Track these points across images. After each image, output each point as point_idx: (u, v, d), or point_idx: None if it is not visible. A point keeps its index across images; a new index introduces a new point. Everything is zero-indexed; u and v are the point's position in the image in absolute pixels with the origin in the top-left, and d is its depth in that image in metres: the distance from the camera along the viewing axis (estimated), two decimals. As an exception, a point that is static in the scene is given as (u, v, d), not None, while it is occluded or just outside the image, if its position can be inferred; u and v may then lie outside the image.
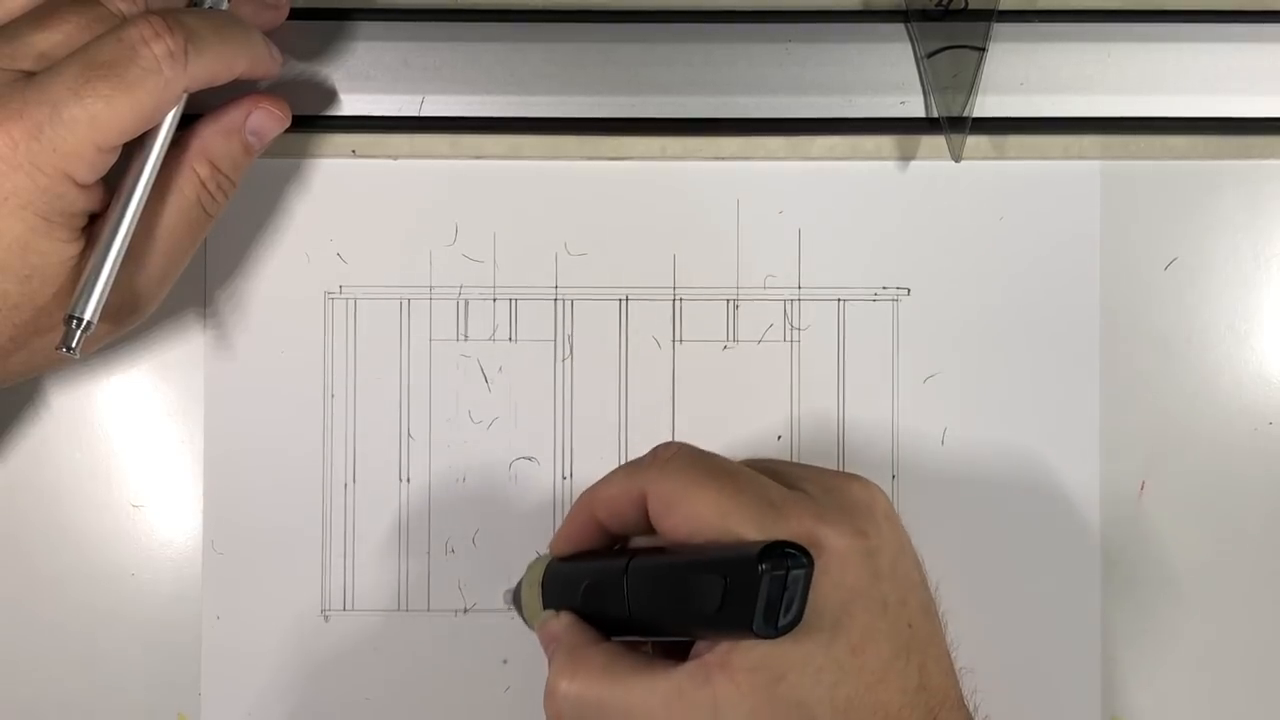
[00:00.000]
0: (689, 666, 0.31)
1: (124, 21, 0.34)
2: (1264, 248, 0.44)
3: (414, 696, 0.43)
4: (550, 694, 0.33)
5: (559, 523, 0.43)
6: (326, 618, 0.43)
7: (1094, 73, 0.43)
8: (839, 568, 0.31)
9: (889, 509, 0.33)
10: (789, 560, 0.29)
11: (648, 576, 0.33)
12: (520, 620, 0.39)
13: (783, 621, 0.29)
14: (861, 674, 0.31)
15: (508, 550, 0.43)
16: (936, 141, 0.43)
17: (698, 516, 0.32)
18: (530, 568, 0.38)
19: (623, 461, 0.43)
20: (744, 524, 0.31)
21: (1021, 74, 0.43)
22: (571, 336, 0.43)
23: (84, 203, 0.35)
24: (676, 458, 0.34)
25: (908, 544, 0.34)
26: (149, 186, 0.36)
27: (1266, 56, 0.43)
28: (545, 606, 0.37)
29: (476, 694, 0.43)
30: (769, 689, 0.30)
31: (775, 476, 0.33)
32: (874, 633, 0.31)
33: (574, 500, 0.37)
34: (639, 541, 0.36)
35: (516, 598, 0.39)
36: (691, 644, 0.33)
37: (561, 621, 0.35)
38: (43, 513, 0.43)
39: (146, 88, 0.33)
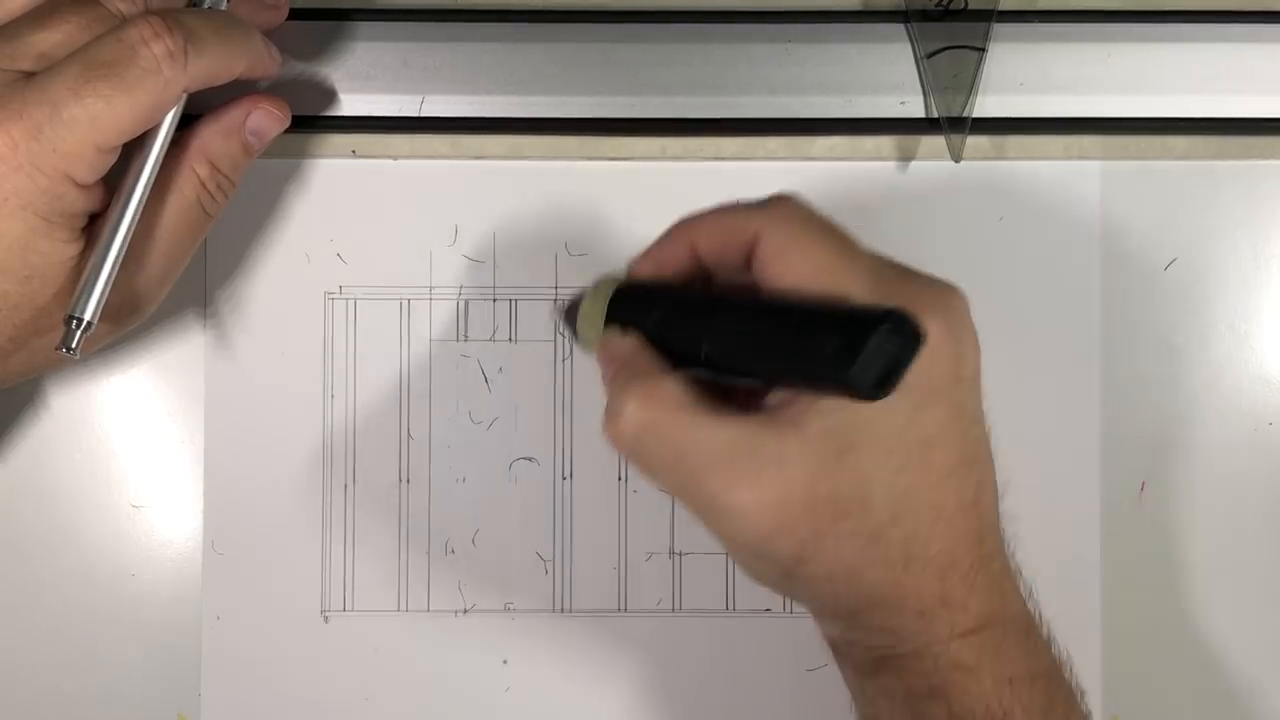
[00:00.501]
0: (762, 416, 0.31)
1: (124, 21, 0.34)
2: (1264, 248, 0.44)
3: (414, 696, 0.43)
4: (614, 416, 0.32)
5: (559, 523, 0.43)
6: (326, 618, 0.43)
7: (1094, 73, 0.43)
8: (930, 360, 0.31)
9: (974, 326, 0.33)
10: (906, 327, 0.28)
11: (743, 315, 0.32)
12: (568, 349, 0.37)
13: (882, 386, 0.28)
14: (927, 470, 0.31)
15: (508, 550, 0.43)
16: (936, 141, 0.43)
17: (810, 270, 0.32)
18: (597, 285, 0.36)
19: (623, 462, 0.43)
20: (856, 288, 0.31)
21: (1021, 74, 0.43)
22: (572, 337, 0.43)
23: (84, 203, 0.35)
24: (794, 208, 0.33)
25: (981, 364, 0.34)
26: (149, 186, 0.36)
27: (1266, 56, 0.43)
28: (607, 332, 0.35)
29: (476, 694, 0.43)
30: (837, 455, 0.31)
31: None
32: (948, 434, 0.32)
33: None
34: (721, 281, 0.35)
35: (571, 314, 0.37)
36: (757, 394, 0.32)
37: (629, 343, 0.34)
38: (43, 514, 0.43)
39: (146, 88, 0.33)
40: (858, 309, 0.30)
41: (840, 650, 0.36)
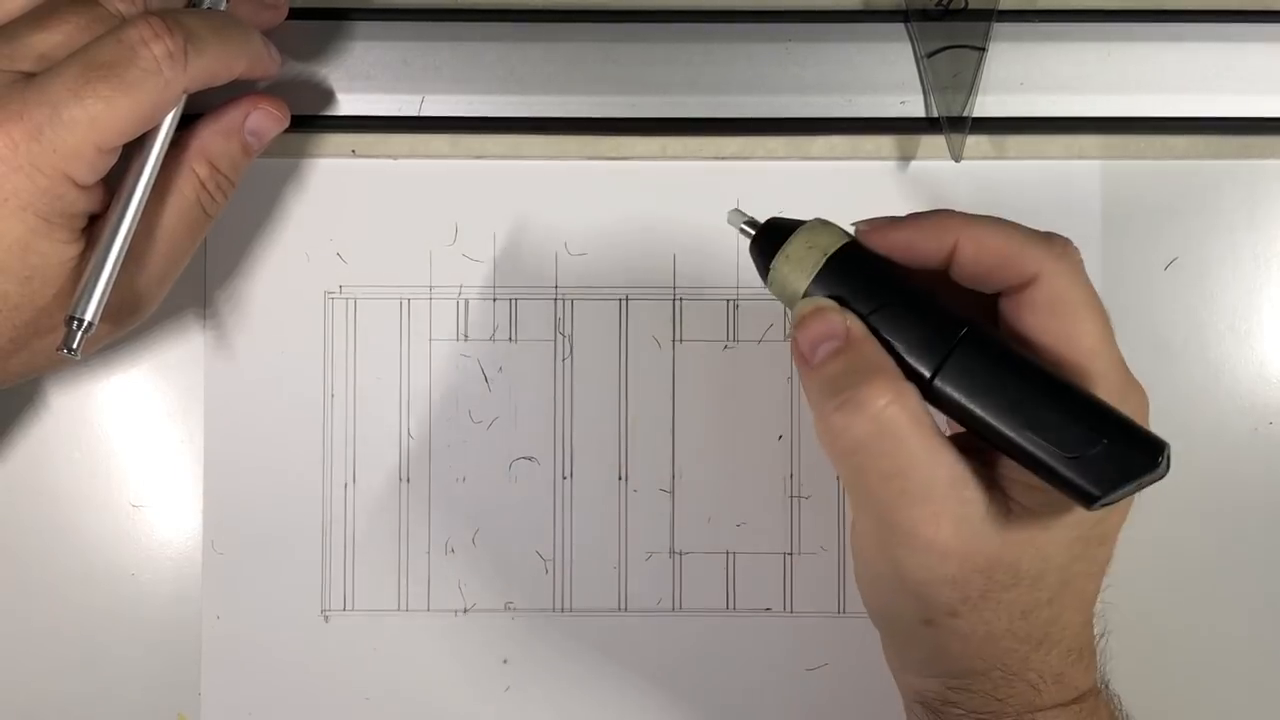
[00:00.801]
0: (976, 464, 0.31)
1: (123, 22, 0.34)
2: (1264, 248, 0.44)
3: (414, 696, 0.43)
4: (854, 406, 0.29)
5: (559, 523, 0.43)
6: (326, 618, 0.43)
7: (1094, 73, 0.43)
8: None
9: None
10: (1165, 462, 0.29)
11: (997, 363, 0.30)
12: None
13: (1108, 504, 0.29)
14: (1091, 563, 0.33)
15: (508, 550, 0.43)
16: (936, 141, 0.43)
17: (1079, 338, 0.31)
18: (814, 229, 0.32)
19: (623, 462, 0.43)
20: (1108, 377, 0.31)
21: (1021, 74, 0.43)
22: (571, 336, 0.43)
23: (84, 204, 0.35)
24: (1079, 261, 0.32)
25: None
26: (149, 187, 0.36)
27: (1266, 56, 0.43)
28: (813, 286, 0.31)
29: (476, 694, 0.43)
30: (1034, 532, 0.31)
31: None
32: (1115, 533, 0.33)
33: (924, 219, 0.32)
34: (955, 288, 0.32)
35: (767, 245, 0.32)
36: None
37: (859, 327, 0.31)
38: (43, 513, 0.43)
39: (146, 88, 0.33)
40: (1134, 426, 0.29)
41: (932, 708, 0.35)
